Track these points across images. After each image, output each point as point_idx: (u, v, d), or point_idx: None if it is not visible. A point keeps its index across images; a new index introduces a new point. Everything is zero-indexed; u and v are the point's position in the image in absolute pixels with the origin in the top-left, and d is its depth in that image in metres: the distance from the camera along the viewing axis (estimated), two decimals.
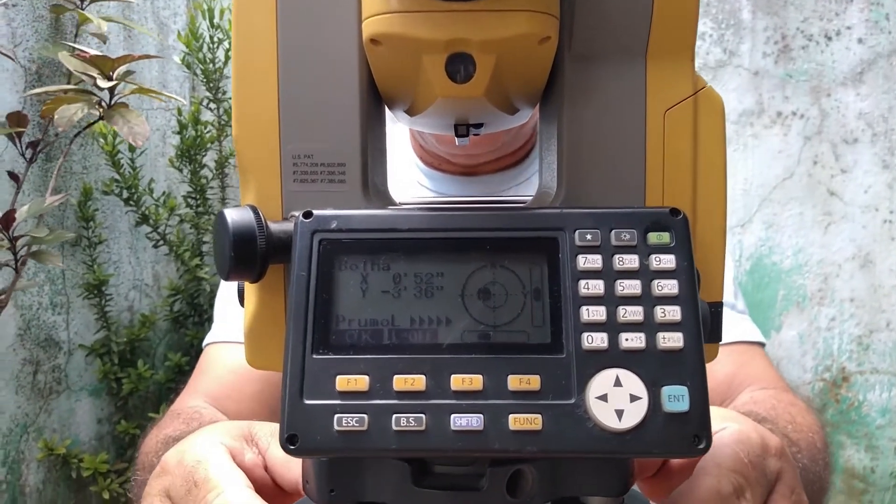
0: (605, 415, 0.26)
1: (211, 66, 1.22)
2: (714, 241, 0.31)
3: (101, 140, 1.04)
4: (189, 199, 1.22)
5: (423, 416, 0.27)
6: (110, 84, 0.77)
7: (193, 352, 1.21)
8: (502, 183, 0.74)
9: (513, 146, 0.72)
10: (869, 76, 1.17)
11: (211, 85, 1.23)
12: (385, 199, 0.33)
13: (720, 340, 0.31)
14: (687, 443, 0.26)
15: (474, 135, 0.37)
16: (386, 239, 0.29)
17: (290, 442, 0.27)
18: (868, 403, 1.21)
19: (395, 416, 0.27)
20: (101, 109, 0.80)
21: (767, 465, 0.34)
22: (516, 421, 0.26)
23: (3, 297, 0.82)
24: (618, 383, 0.27)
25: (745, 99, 1.22)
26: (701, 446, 0.26)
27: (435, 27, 0.27)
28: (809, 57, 1.19)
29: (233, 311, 0.72)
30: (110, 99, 0.81)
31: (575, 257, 0.28)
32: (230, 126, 1.12)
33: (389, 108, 0.35)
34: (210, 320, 0.97)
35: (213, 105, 1.24)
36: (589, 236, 0.29)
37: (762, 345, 0.73)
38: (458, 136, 0.36)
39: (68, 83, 0.88)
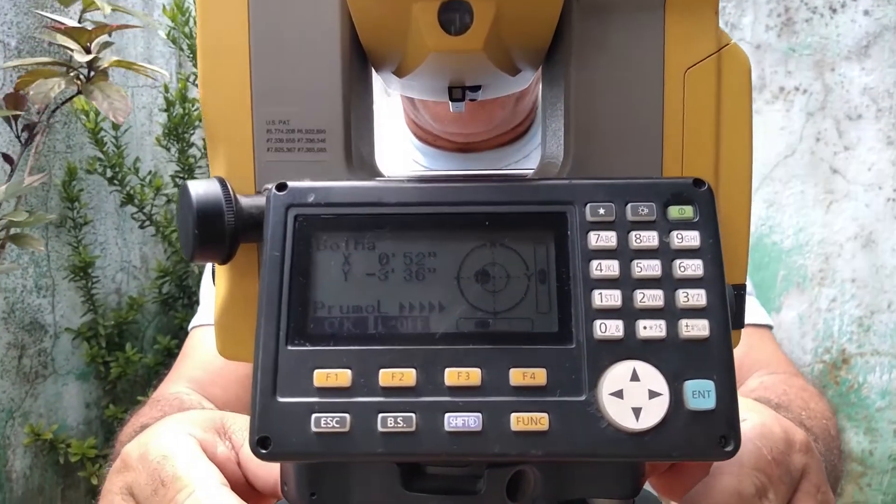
0: (620, 413, 0.24)
1: None
2: (738, 215, 0.28)
3: (84, 117, 1.01)
4: (177, 179, 1.20)
5: (412, 415, 0.24)
6: (89, 57, 0.74)
7: (182, 334, 1.19)
8: (501, 159, 0.71)
9: (511, 123, 0.69)
10: (875, 50, 1.15)
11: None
12: (371, 171, 0.30)
13: (742, 327, 0.29)
14: (713, 445, 0.23)
15: (471, 100, 0.34)
16: (371, 214, 0.26)
17: (261, 445, 0.24)
18: (868, 385, 1.20)
19: (380, 415, 0.24)
20: (79, 83, 0.77)
21: (792, 461, 0.32)
22: (519, 421, 0.24)
23: None
24: (635, 377, 0.24)
25: None
26: (728, 448, 0.24)
27: None
28: (813, 30, 1.16)
29: None
30: (88, 73, 0.78)
31: (586, 234, 0.25)
32: None
33: (376, 69, 0.31)
34: (199, 302, 0.95)
35: None
36: (602, 210, 0.26)
37: (770, 327, 0.71)
38: (452, 99, 0.33)
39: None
